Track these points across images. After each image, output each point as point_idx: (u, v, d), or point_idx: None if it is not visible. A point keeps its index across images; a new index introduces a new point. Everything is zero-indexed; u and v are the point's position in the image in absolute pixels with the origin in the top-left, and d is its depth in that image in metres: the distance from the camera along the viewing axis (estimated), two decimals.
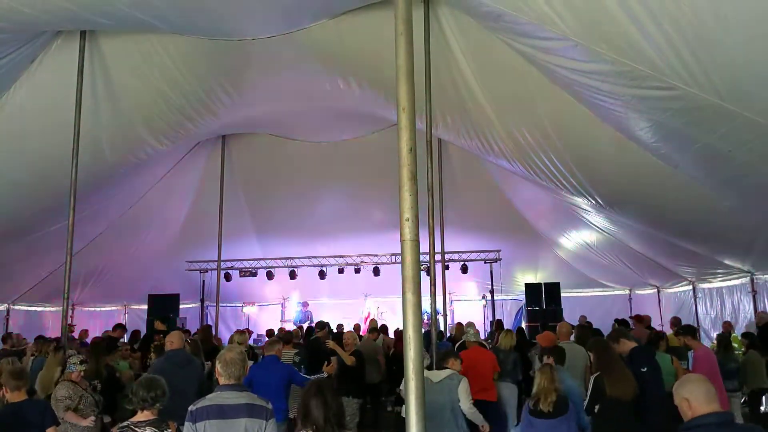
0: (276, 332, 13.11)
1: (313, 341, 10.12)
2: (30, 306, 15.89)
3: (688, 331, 7.96)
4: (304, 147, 14.52)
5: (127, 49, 8.71)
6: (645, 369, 5.89)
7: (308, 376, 6.80)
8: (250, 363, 6.95)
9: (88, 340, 11.91)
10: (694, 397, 3.00)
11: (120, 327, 11.65)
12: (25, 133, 9.20)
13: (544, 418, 5.36)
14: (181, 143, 12.16)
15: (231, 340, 9.59)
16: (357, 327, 12.93)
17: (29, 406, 4.94)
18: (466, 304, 18.58)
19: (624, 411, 5.39)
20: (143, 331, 13.84)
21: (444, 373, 5.87)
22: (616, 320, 12.00)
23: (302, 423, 3.26)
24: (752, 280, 11.60)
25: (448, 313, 16.01)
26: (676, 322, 11.30)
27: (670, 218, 9.96)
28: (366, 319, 16.78)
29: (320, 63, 9.46)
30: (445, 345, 9.17)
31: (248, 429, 3.63)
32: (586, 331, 9.34)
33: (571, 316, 14.23)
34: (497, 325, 13.10)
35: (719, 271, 12.43)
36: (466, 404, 5.73)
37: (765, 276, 11.29)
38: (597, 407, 5.55)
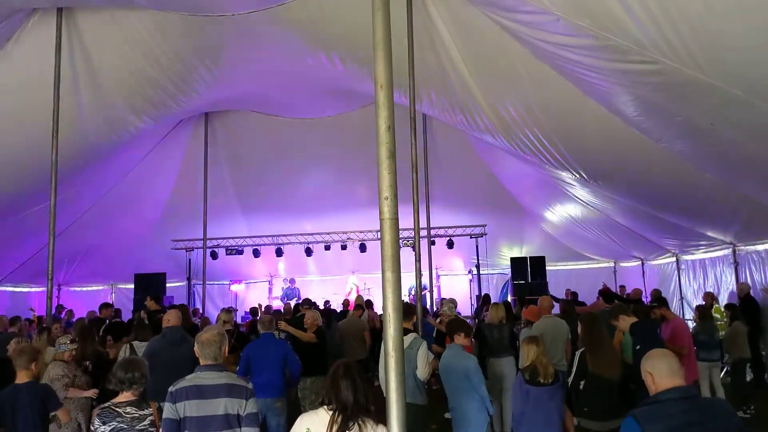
0: (262, 309, 13.18)
1: (295, 318, 10.13)
2: (15, 287, 15.81)
3: (662, 303, 8.13)
4: (288, 124, 14.40)
5: (105, 25, 8.56)
6: (639, 347, 5.89)
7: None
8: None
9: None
10: (657, 371, 3.03)
11: (107, 306, 11.19)
12: (3, 113, 9.04)
13: (541, 386, 5.19)
14: (164, 121, 12.02)
15: (218, 319, 9.61)
16: (346, 302, 12.91)
17: (27, 389, 4.76)
18: (453, 279, 18.67)
19: (608, 388, 5.37)
20: (130, 309, 13.81)
21: (405, 342, 5.58)
22: (600, 292, 12.07)
23: (331, 402, 3.25)
24: (734, 252, 11.71)
25: (434, 288, 16.13)
26: (655, 294, 11.45)
27: (653, 191, 10.00)
28: (349, 294, 16.81)
29: (302, 38, 9.33)
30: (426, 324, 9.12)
31: (228, 408, 3.64)
32: (570, 306, 9.40)
33: (556, 289, 14.36)
34: (484, 299, 13.07)
35: (702, 243, 12.55)
36: (422, 372, 5.66)
37: (746, 247, 11.40)
38: (582, 383, 5.49)
